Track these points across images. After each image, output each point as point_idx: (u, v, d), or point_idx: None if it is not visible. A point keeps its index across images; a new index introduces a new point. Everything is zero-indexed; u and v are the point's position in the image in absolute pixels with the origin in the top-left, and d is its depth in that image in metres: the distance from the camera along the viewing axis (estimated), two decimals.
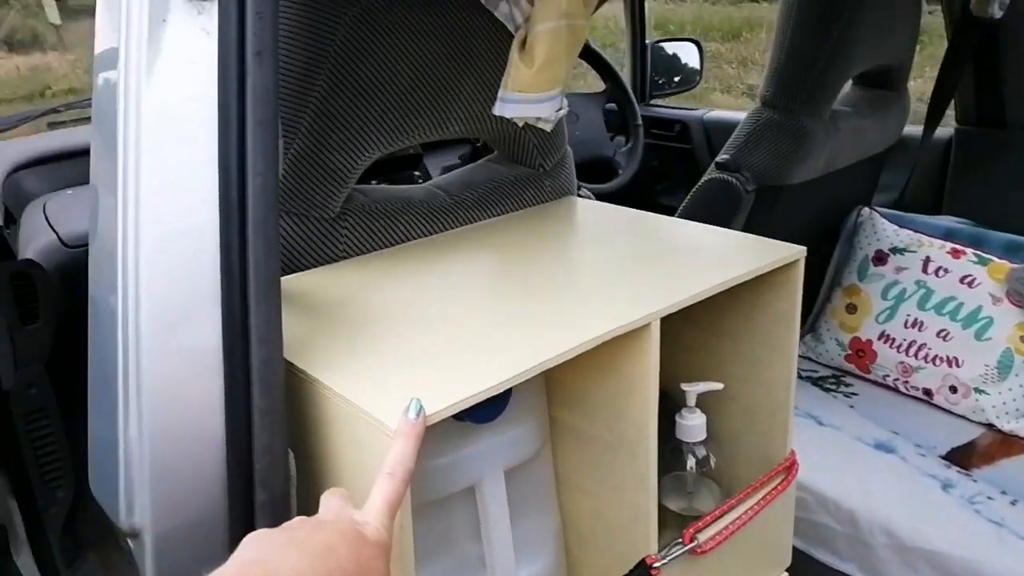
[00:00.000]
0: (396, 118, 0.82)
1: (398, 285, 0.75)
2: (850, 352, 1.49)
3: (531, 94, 0.76)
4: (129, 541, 0.51)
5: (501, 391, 0.55)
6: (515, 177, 0.97)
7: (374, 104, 0.80)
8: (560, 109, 0.80)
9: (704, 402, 0.81)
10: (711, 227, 0.89)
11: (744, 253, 0.80)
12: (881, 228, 1.55)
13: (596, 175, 2.12)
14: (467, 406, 0.53)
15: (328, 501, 0.47)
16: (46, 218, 1.35)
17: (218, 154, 0.50)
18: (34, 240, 1.31)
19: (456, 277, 0.77)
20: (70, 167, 1.57)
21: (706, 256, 0.80)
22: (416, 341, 0.62)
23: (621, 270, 0.77)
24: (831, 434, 1.32)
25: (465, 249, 0.84)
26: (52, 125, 1.81)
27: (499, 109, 0.78)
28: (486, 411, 0.64)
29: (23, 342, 1.23)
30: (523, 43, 0.77)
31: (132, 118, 0.50)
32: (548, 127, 0.84)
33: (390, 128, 0.82)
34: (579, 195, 1.10)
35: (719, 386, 0.82)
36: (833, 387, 1.48)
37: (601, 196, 2.00)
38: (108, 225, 0.51)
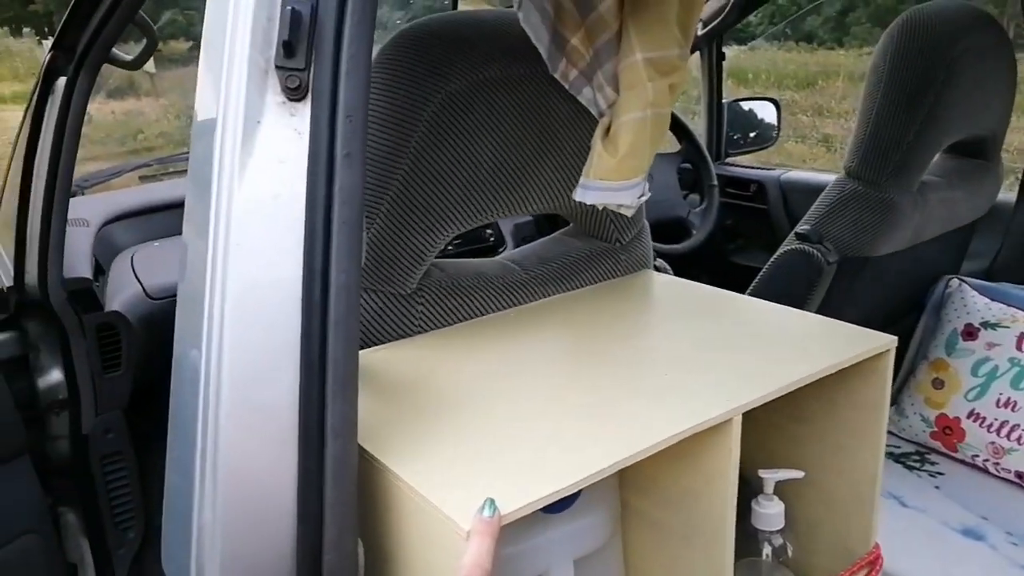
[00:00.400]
0: (475, 199, 0.83)
1: (472, 363, 0.75)
2: (936, 429, 1.43)
3: (614, 182, 0.76)
4: None
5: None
6: (590, 251, 0.97)
7: (453, 187, 0.81)
8: (642, 196, 0.80)
9: (782, 489, 0.79)
10: (794, 310, 0.87)
11: (831, 341, 0.78)
12: (971, 300, 1.49)
13: (670, 235, 2.11)
14: (541, 506, 0.52)
15: None
16: (133, 270, 1.41)
17: (303, 252, 0.51)
18: (120, 292, 1.37)
19: (529, 356, 0.77)
20: (158, 219, 1.64)
21: (790, 344, 0.78)
22: (490, 429, 0.62)
23: (700, 357, 0.75)
24: (915, 517, 1.26)
25: (539, 327, 0.84)
26: (143, 179, 1.90)
27: (580, 196, 0.79)
28: (557, 502, 0.63)
29: (104, 389, 1.29)
30: (607, 131, 0.77)
31: (223, 214, 0.52)
32: (630, 212, 0.84)
33: (468, 209, 0.83)
34: (655, 266, 1.09)
35: (799, 475, 0.79)
36: (917, 465, 1.41)
37: (674, 256, 1.99)
38: (196, 294, 0.53)
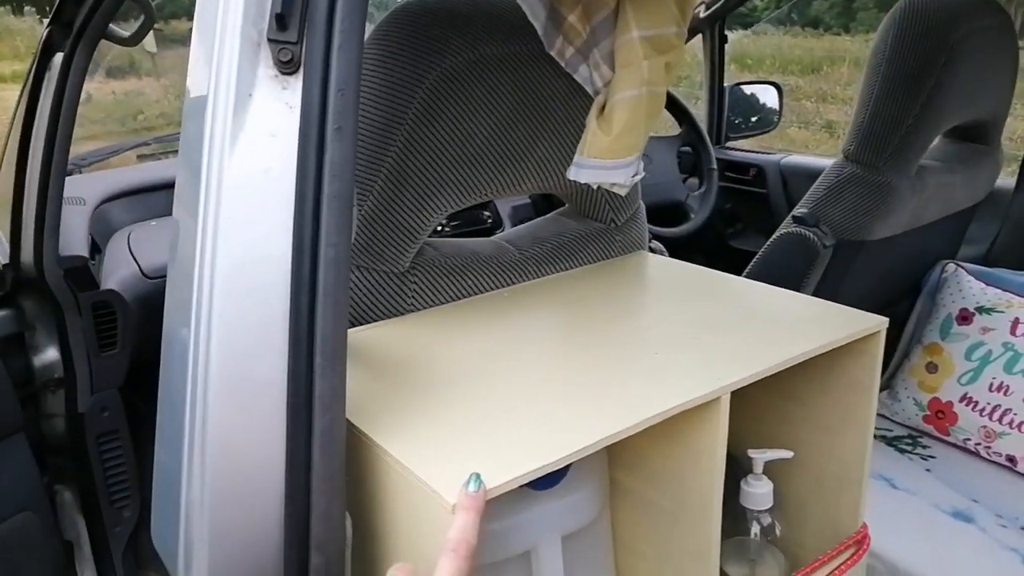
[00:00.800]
0: (469, 177, 0.83)
1: (464, 342, 0.75)
2: (929, 413, 1.43)
3: (608, 160, 0.76)
4: None
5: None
6: (585, 232, 0.97)
7: (448, 164, 0.81)
8: (636, 175, 0.80)
9: (772, 468, 0.79)
10: (787, 291, 0.87)
11: (822, 322, 0.78)
12: (967, 285, 1.49)
13: (668, 219, 2.11)
14: (528, 480, 0.53)
15: None
16: (129, 249, 1.41)
17: (293, 224, 0.51)
18: (116, 270, 1.37)
19: (521, 335, 0.77)
20: (155, 199, 1.64)
21: (781, 324, 0.79)
22: (478, 406, 0.62)
23: (691, 336, 0.76)
24: (905, 499, 1.27)
25: (532, 306, 0.85)
26: (141, 158, 1.90)
27: (574, 174, 0.79)
28: (546, 479, 0.64)
29: (100, 367, 1.29)
30: (601, 109, 0.77)
31: (214, 188, 0.52)
32: (623, 192, 0.84)
33: (463, 187, 0.83)
34: (650, 248, 1.09)
35: (788, 454, 0.80)
36: (909, 448, 1.42)
37: (673, 240, 1.99)
38: (186, 270, 0.53)
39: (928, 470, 1.35)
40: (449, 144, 0.80)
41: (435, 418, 0.60)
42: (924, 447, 1.42)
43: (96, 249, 1.51)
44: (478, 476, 0.50)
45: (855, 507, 0.83)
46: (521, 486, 0.63)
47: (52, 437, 1.35)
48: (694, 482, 0.68)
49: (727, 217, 2.38)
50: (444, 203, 0.82)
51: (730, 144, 2.45)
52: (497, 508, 0.64)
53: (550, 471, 0.55)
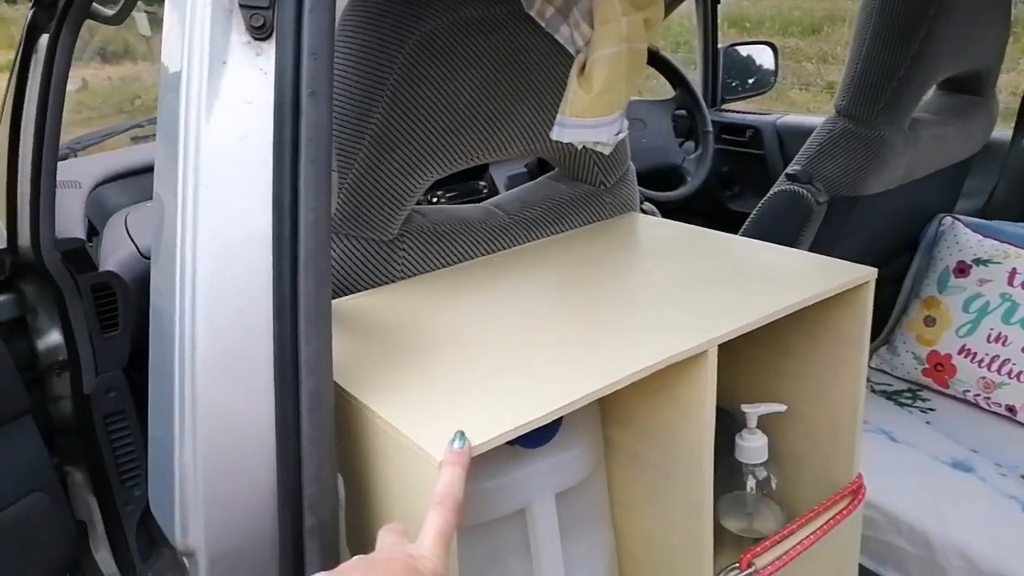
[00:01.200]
0: (455, 141, 0.83)
1: (453, 307, 0.75)
2: (928, 366, 1.44)
3: (589, 119, 0.76)
4: (185, 560, 0.53)
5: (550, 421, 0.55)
6: (575, 195, 0.97)
7: (432, 129, 0.81)
8: (619, 133, 0.80)
9: (766, 422, 0.80)
10: (777, 247, 0.87)
11: (811, 275, 0.78)
12: (964, 238, 1.49)
13: (664, 183, 2.10)
14: (514, 436, 0.53)
15: (383, 538, 0.48)
16: (127, 230, 1.42)
17: (272, 190, 0.51)
18: (114, 252, 1.37)
19: (511, 299, 0.77)
20: (151, 179, 1.63)
21: (770, 278, 0.79)
22: (467, 366, 0.63)
23: (680, 293, 0.76)
24: (905, 451, 1.27)
25: (521, 269, 0.85)
26: (136, 139, 1.90)
27: (557, 134, 0.78)
28: (536, 437, 0.64)
29: (103, 349, 1.30)
30: (582, 68, 0.77)
31: (191, 154, 0.52)
32: (607, 151, 0.84)
33: (448, 151, 0.83)
34: (642, 209, 1.09)
35: (781, 408, 0.80)
36: (909, 402, 1.43)
37: (669, 204, 1.98)
38: (169, 244, 0.53)
39: (928, 423, 1.36)
40: (432, 109, 0.80)
41: (423, 380, 0.61)
42: (924, 400, 1.43)
43: (93, 232, 1.51)
44: (463, 433, 0.50)
45: (849, 458, 0.84)
46: (513, 445, 0.64)
47: (60, 419, 1.36)
48: (685, 436, 0.68)
49: (724, 180, 2.36)
50: (430, 168, 0.82)
51: (726, 106, 2.43)
52: (490, 467, 0.65)
53: (538, 426, 0.55)
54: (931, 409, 1.40)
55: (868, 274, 0.77)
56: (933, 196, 1.60)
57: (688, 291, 0.76)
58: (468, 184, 1.82)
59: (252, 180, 0.52)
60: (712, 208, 2.36)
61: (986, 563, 1.07)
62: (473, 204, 0.93)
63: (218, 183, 0.52)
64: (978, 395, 1.37)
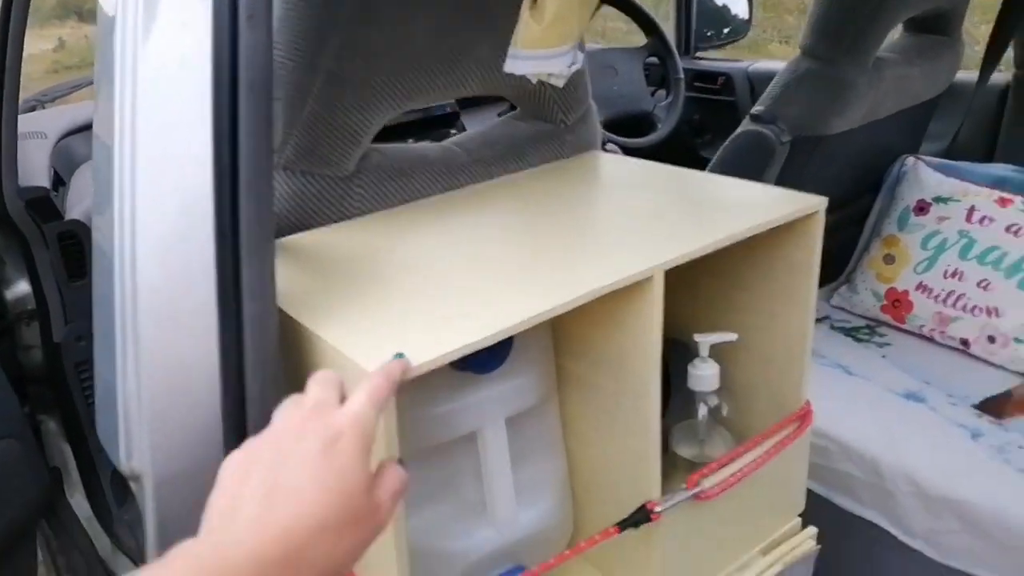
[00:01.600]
0: (411, 78, 0.82)
1: (408, 241, 0.76)
2: (886, 303, 1.46)
3: (541, 50, 0.76)
4: (132, 484, 0.54)
5: (495, 342, 0.56)
6: (535, 133, 0.97)
7: (387, 65, 0.80)
8: (573, 65, 0.80)
9: (721, 352, 0.81)
10: (736, 180, 0.88)
11: (762, 205, 0.79)
12: (925, 177, 1.50)
13: (636, 130, 2.09)
14: (455, 358, 0.54)
15: (311, 389, 0.48)
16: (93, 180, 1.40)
17: (212, 116, 0.51)
18: (80, 202, 1.36)
19: (466, 233, 0.78)
20: None
21: (723, 208, 0.79)
22: (417, 294, 0.63)
23: (634, 223, 0.76)
24: (860, 384, 1.30)
25: (478, 206, 0.85)
26: None
27: (510, 66, 0.78)
28: (486, 361, 0.65)
29: (71, 298, 1.30)
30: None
31: (128, 83, 0.52)
32: (560, 83, 0.84)
33: (405, 88, 0.82)
34: (605, 149, 1.09)
35: (732, 337, 0.81)
36: (867, 337, 1.45)
37: (640, 150, 1.97)
38: (106, 178, 0.53)
39: (883, 356, 1.38)
40: (387, 46, 0.79)
41: (372, 307, 0.62)
42: (881, 336, 1.45)
43: (60, 182, 1.50)
44: (401, 355, 0.51)
45: (798, 385, 0.85)
46: (464, 371, 0.65)
47: (31, 368, 1.36)
48: (634, 363, 0.69)
49: (696, 128, 2.36)
50: (387, 104, 0.81)
51: (699, 55, 2.42)
52: (441, 392, 0.66)
53: (486, 349, 0.56)
54: (887, 344, 1.42)
55: (818, 203, 0.78)
56: (897, 137, 1.61)
57: (640, 222, 0.77)
58: (439, 132, 1.81)
59: (190, 106, 0.51)
60: (684, 155, 2.35)
61: (933, 488, 1.10)
62: (431, 143, 0.93)
63: (155, 111, 0.52)
64: (933, 330, 1.40)
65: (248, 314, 0.52)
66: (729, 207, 0.80)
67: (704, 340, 0.81)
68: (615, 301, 0.66)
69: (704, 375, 0.82)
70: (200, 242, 0.52)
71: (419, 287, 0.65)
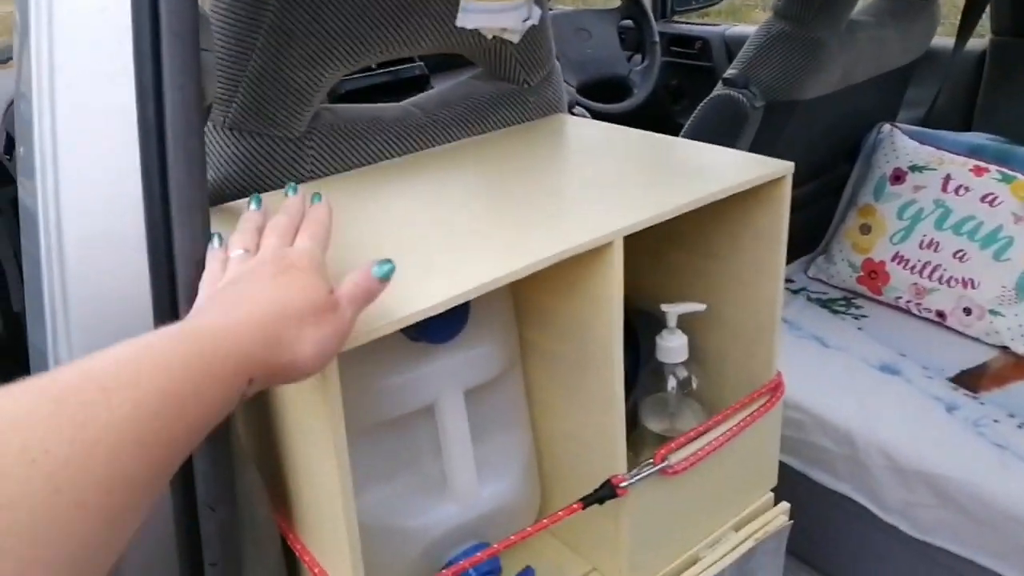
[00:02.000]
0: (361, 32, 0.79)
1: (360, 206, 0.73)
2: (862, 274, 1.45)
3: (494, 3, 0.73)
4: None
5: (449, 310, 0.54)
6: (496, 94, 0.94)
7: (335, 18, 0.77)
8: (527, 19, 0.77)
9: (690, 323, 0.80)
10: (704, 145, 0.86)
11: (728, 170, 0.77)
12: (901, 145, 1.49)
13: (610, 95, 2.07)
14: (406, 325, 0.52)
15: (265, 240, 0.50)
16: None
17: (133, 67, 0.48)
18: None
19: (420, 198, 0.75)
20: None
21: (687, 173, 0.77)
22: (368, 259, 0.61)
23: (596, 189, 0.74)
24: (835, 356, 1.30)
25: (435, 169, 0.82)
26: None
27: (461, 19, 0.75)
28: (441, 330, 0.63)
29: None
30: None
31: (45, 30, 0.48)
32: (515, 38, 0.81)
33: (353, 42, 0.79)
34: (572, 113, 1.07)
35: (701, 307, 0.80)
36: (843, 309, 1.44)
37: (614, 116, 1.95)
38: (28, 138, 0.50)
39: (860, 328, 1.38)
40: None
41: None
42: (857, 307, 1.45)
43: (12, 146, 1.45)
44: (319, 195, 0.54)
45: (769, 356, 0.84)
46: (419, 340, 0.63)
47: None
48: (596, 331, 0.68)
49: (673, 93, 2.34)
50: (334, 60, 0.78)
51: (676, 18, 2.39)
52: (396, 363, 0.64)
53: (436, 314, 0.54)
54: (864, 316, 1.42)
55: (785, 168, 0.76)
56: (874, 104, 1.59)
57: (602, 188, 0.75)
58: (408, 95, 1.77)
59: (111, 55, 0.48)
60: (660, 122, 2.33)
61: (907, 460, 1.10)
62: (388, 104, 0.90)
63: (74, 59, 0.49)
64: (909, 301, 1.40)
65: (182, 280, 0.49)
66: (694, 172, 0.78)
67: (672, 310, 0.79)
68: (575, 268, 0.64)
69: (672, 347, 0.80)
70: (128, 203, 0.49)
71: (370, 253, 0.62)
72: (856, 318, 1.41)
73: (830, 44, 1.28)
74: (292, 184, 0.56)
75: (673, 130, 2.29)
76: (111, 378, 0.34)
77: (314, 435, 0.53)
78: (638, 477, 0.72)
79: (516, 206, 0.71)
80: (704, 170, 0.78)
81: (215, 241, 0.50)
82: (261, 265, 0.47)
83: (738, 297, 0.84)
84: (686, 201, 0.68)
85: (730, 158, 0.81)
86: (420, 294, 0.54)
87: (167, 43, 0.47)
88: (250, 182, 0.77)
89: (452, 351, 0.66)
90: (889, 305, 1.43)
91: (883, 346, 1.31)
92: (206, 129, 0.77)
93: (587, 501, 0.70)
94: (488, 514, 0.72)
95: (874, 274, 1.43)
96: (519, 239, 0.63)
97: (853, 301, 1.47)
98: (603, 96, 2.01)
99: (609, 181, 0.76)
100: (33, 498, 0.28)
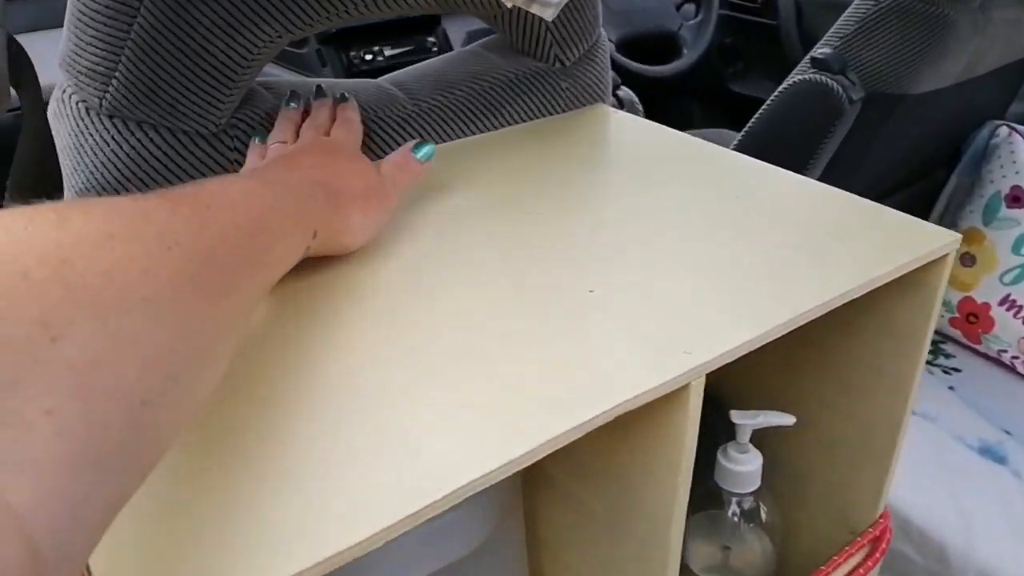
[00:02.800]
0: None
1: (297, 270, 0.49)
2: (958, 315, 1.21)
3: None
4: None
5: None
6: (516, 75, 0.69)
7: None
8: None
9: (770, 433, 0.56)
10: (805, 182, 0.61)
11: (860, 239, 0.52)
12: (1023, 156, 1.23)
13: (655, 54, 1.87)
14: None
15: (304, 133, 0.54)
16: None
17: None
18: None
19: (399, 251, 0.51)
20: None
21: (795, 243, 0.52)
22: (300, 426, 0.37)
23: (652, 258, 0.50)
24: (921, 427, 1.07)
25: (423, 192, 0.58)
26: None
27: None
28: None
29: None
30: None
31: None
32: (549, 15, 0.56)
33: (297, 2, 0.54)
34: (616, 96, 0.81)
35: (790, 420, 0.57)
36: (930, 357, 1.21)
37: (661, 79, 1.72)
38: None
39: (951, 387, 1.15)
40: None
41: None
42: (947, 356, 1.22)
43: None
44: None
45: (877, 491, 0.62)
46: None
47: None
48: (644, 492, 0.45)
49: (727, 54, 2.10)
50: (266, 25, 0.53)
51: None
52: None
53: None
54: (956, 369, 1.19)
55: (950, 242, 0.51)
56: (986, 99, 1.33)
57: (664, 255, 0.50)
58: (414, 39, 1.54)
59: None
60: (712, 88, 2.09)
61: None
62: (361, 80, 0.65)
63: None
64: (1016, 358, 1.16)
65: None
66: (809, 240, 0.53)
67: (746, 422, 0.56)
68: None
69: (741, 471, 0.58)
70: None
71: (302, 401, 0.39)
72: (947, 372, 1.18)
73: (959, 25, 1.02)
74: (319, 85, 0.57)
75: (726, 97, 2.08)
76: (213, 197, 0.35)
77: None
78: None
79: (542, 301, 0.46)
80: (827, 237, 0.53)
81: (256, 138, 0.54)
82: (308, 144, 0.51)
83: (844, 405, 0.61)
84: (807, 308, 0.44)
85: (864, 214, 0.56)
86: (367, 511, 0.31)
87: None
88: (140, 189, 0.53)
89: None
90: (989, 358, 1.20)
91: (982, 417, 1.08)
92: (74, 115, 0.53)
93: None
94: None
95: (974, 317, 1.19)
96: (548, 385, 0.39)
97: (942, 347, 1.23)
98: (648, 55, 1.80)
99: (672, 244, 0.51)
100: (171, 286, 0.28)
